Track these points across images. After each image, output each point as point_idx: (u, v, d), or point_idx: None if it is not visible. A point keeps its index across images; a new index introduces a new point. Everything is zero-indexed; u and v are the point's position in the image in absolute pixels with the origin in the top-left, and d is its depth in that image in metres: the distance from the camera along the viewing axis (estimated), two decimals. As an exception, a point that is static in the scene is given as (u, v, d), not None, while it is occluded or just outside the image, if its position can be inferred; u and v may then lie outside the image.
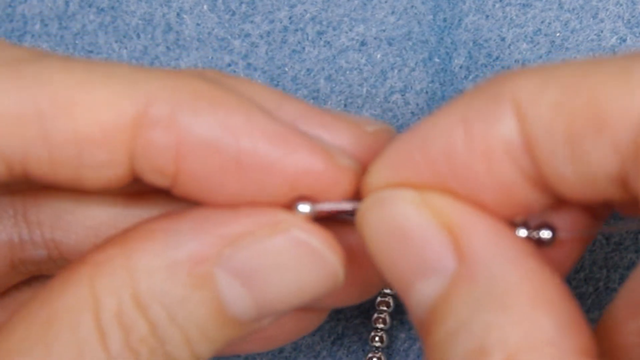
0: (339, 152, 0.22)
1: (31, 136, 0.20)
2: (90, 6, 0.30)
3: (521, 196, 0.20)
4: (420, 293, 0.20)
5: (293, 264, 0.21)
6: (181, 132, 0.21)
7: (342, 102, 0.30)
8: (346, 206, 0.22)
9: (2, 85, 0.20)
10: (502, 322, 0.19)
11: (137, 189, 0.24)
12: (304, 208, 0.22)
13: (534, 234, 0.21)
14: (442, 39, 0.30)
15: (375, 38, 0.30)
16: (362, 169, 0.22)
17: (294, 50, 0.30)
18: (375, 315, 0.29)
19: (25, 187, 0.24)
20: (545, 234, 0.21)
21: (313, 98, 0.30)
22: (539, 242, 0.21)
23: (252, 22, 0.30)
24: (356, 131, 0.23)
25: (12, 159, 0.21)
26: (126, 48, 0.30)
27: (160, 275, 0.20)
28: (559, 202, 0.21)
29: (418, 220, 0.21)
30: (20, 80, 0.20)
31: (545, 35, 0.29)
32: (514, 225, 0.21)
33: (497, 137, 0.20)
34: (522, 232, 0.21)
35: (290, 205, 0.22)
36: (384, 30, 0.30)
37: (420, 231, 0.20)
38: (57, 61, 0.21)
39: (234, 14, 0.30)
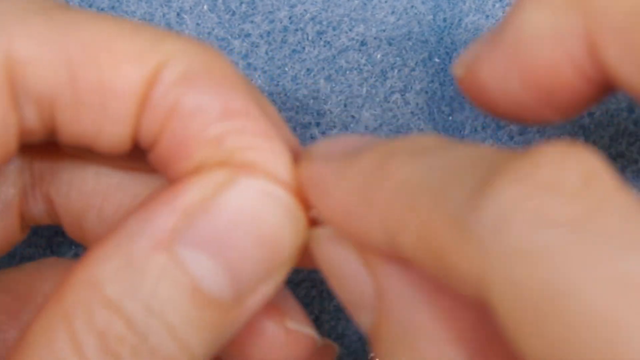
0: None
1: (60, 82, 0.20)
2: (90, 6, 0.30)
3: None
4: (359, 323, 0.21)
5: (253, 216, 0.20)
6: (181, 97, 0.21)
7: (342, 102, 0.30)
8: None
9: (34, 30, 0.20)
10: None
11: (132, 166, 0.24)
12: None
13: None
14: (442, 39, 0.30)
15: (375, 38, 0.30)
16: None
17: (294, 50, 0.30)
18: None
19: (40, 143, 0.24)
20: None
21: (313, 98, 0.30)
22: None
23: (252, 22, 0.30)
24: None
25: (42, 102, 0.21)
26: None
27: (123, 274, 0.20)
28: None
29: (340, 257, 0.20)
30: (52, 27, 0.20)
31: (545, 35, 0.29)
32: None
33: None
34: None
35: None
36: (384, 30, 0.30)
37: (344, 270, 0.20)
38: (86, 13, 0.21)
39: (234, 14, 0.30)
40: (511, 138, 0.29)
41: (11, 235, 0.24)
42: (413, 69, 0.30)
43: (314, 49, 0.30)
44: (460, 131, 0.29)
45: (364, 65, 0.30)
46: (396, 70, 0.30)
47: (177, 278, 0.20)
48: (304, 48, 0.30)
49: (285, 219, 0.21)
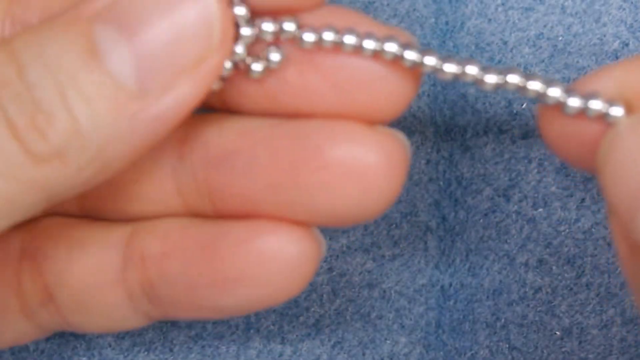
0: None
1: None
2: None
3: None
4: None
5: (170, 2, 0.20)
6: None
7: (344, 105, 0.30)
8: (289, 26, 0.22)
9: None
10: None
11: None
12: (240, 10, 0.21)
13: None
14: (444, 42, 0.30)
15: (377, 41, 0.30)
16: None
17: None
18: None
19: None
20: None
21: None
22: None
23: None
24: None
25: None
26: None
27: (33, 37, 0.19)
28: None
29: None
30: None
31: (548, 39, 0.29)
32: None
33: None
34: None
35: None
36: (386, 34, 0.30)
37: None
38: None
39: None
40: (513, 142, 0.29)
41: None
42: (415, 72, 0.30)
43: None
44: (462, 135, 0.29)
45: (366, 68, 0.30)
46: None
47: (82, 51, 0.19)
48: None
49: (205, 8, 0.20)
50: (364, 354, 0.30)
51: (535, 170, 0.29)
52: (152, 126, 0.20)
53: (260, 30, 0.22)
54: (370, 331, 0.30)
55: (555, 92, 0.21)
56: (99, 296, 0.24)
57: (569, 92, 0.20)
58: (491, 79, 0.21)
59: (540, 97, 0.21)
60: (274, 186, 0.22)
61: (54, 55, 0.19)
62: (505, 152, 0.29)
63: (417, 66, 0.21)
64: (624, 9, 0.29)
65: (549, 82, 0.21)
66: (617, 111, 0.20)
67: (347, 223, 0.23)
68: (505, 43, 0.29)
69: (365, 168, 0.22)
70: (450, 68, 0.21)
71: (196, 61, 0.20)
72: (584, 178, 0.29)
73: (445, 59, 0.21)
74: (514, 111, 0.29)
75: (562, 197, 0.29)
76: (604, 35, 0.29)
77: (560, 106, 0.21)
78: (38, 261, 0.24)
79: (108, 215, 0.25)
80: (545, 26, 0.29)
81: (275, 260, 0.22)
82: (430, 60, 0.21)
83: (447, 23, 0.30)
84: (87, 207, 0.25)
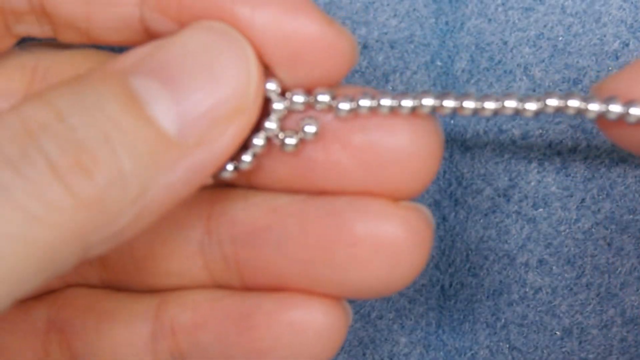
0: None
1: None
2: None
3: None
4: None
5: (205, 50, 0.20)
6: None
7: (344, 105, 0.30)
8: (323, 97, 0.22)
9: None
10: None
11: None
12: (271, 86, 0.22)
13: None
14: (444, 42, 0.30)
15: (377, 41, 0.30)
16: None
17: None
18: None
19: None
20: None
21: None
22: None
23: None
24: None
25: None
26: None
27: (71, 89, 0.19)
28: None
29: None
30: None
31: (548, 39, 0.29)
32: None
33: None
34: None
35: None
36: (386, 34, 0.30)
37: None
38: None
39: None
40: (513, 142, 0.29)
41: None
42: (415, 72, 0.30)
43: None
44: (462, 135, 0.29)
45: (366, 68, 0.30)
46: (398, 74, 0.30)
47: (122, 99, 0.19)
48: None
49: (238, 59, 0.21)
50: (364, 354, 0.30)
51: (535, 170, 0.29)
52: (189, 175, 0.20)
53: (292, 102, 0.22)
54: (370, 331, 0.30)
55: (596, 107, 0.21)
56: None
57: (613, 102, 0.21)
58: (531, 106, 0.22)
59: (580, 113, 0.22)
60: (304, 262, 0.23)
61: (93, 102, 0.19)
62: (505, 152, 0.29)
63: (459, 110, 0.22)
64: (624, 9, 0.29)
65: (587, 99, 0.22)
66: None
67: (374, 296, 0.23)
68: (505, 43, 0.29)
69: (394, 244, 0.22)
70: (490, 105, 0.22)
71: (232, 115, 0.21)
72: (584, 178, 0.29)
73: (482, 98, 0.22)
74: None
75: (562, 197, 0.29)
76: (604, 35, 0.29)
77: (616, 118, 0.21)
78: (66, 333, 0.25)
79: (132, 288, 0.25)
80: (545, 26, 0.29)
81: (307, 331, 0.23)
82: (469, 104, 0.22)
83: (447, 23, 0.30)
84: (110, 279, 0.25)
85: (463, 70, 0.29)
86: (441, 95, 0.22)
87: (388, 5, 0.30)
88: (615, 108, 0.21)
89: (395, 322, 0.30)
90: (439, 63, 0.30)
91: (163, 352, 0.24)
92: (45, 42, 0.25)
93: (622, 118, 0.21)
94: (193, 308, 0.24)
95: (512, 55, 0.29)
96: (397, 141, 0.22)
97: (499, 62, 0.29)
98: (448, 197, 0.30)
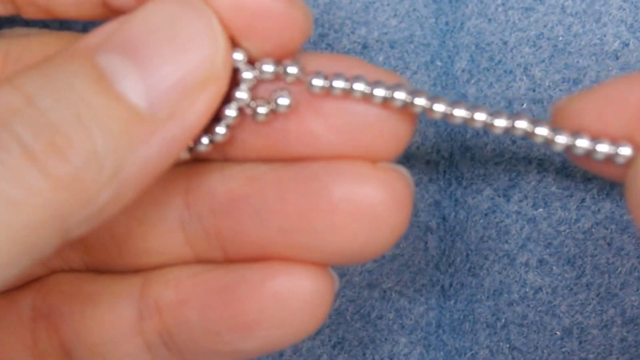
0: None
1: None
2: None
3: None
4: None
5: (171, 22, 0.20)
6: None
7: (344, 105, 0.30)
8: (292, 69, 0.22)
9: None
10: None
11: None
12: (238, 56, 0.22)
13: None
14: (444, 42, 0.30)
15: (377, 41, 0.30)
16: None
17: (295, 53, 0.30)
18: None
19: None
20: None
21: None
22: None
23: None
24: None
25: None
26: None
27: (38, 73, 0.19)
28: None
29: None
30: None
31: (548, 39, 0.29)
32: None
33: None
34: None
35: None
36: (386, 33, 0.30)
37: None
38: None
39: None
40: (513, 142, 0.29)
41: None
42: (415, 72, 0.30)
43: (315, 51, 0.30)
44: (462, 135, 0.29)
45: (366, 68, 0.30)
46: (398, 73, 0.30)
47: (91, 78, 0.20)
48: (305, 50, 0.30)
49: (204, 30, 0.21)
50: (364, 354, 0.30)
51: (535, 170, 0.29)
52: (163, 149, 0.20)
53: (261, 72, 0.22)
54: (370, 331, 0.30)
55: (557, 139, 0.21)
56: (117, 350, 0.24)
57: (575, 135, 0.21)
58: (500, 122, 0.21)
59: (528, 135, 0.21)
60: (284, 230, 0.22)
61: (62, 83, 0.19)
62: (505, 152, 0.29)
63: (428, 111, 0.22)
64: (624, 9, 0.29)
65: (535, 122, 0.21)
66: (625, 151, 0.21)
67: (357, 261, 0.23)
68: (505, 43, 0.29)
69: (373, 206, 0.22)
70: (459, 113, 0.22)
71: (201, 85, 0.20)
72: (584, 178, 0.29)
73: (454, 104, 0.22)
74: (514, 111, 0.29)
75: (562, 197, 0.29)
76: (604, 35, 0.29)
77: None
78: (53, 320, 0.24)
79: (115, 269, 0.25)
80: (545, 26, 0.29)
81: (292, 300, 0.23)
82: (439, 107, 0.22)
83: (447, 23, 0.30)
84: (93, 263, 0.25)
85: (463, 70, 0.29)
86: (413, 93, 0.22)
87: (388, 5, 0.30)
88: (582, 143, 0.21)
89: (395, 322, 0.30)
90: (439, 63, 0.30)
91: (150, 332, 0.24)
92: (17, 28, 0.25)
93: (588, 154, 0.21)
94: (176, 285, 0.24)
95: (512, 55, 0.29)
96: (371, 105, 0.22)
97: (499, 62, 0.29)
98: (448, 197, 0.30)
